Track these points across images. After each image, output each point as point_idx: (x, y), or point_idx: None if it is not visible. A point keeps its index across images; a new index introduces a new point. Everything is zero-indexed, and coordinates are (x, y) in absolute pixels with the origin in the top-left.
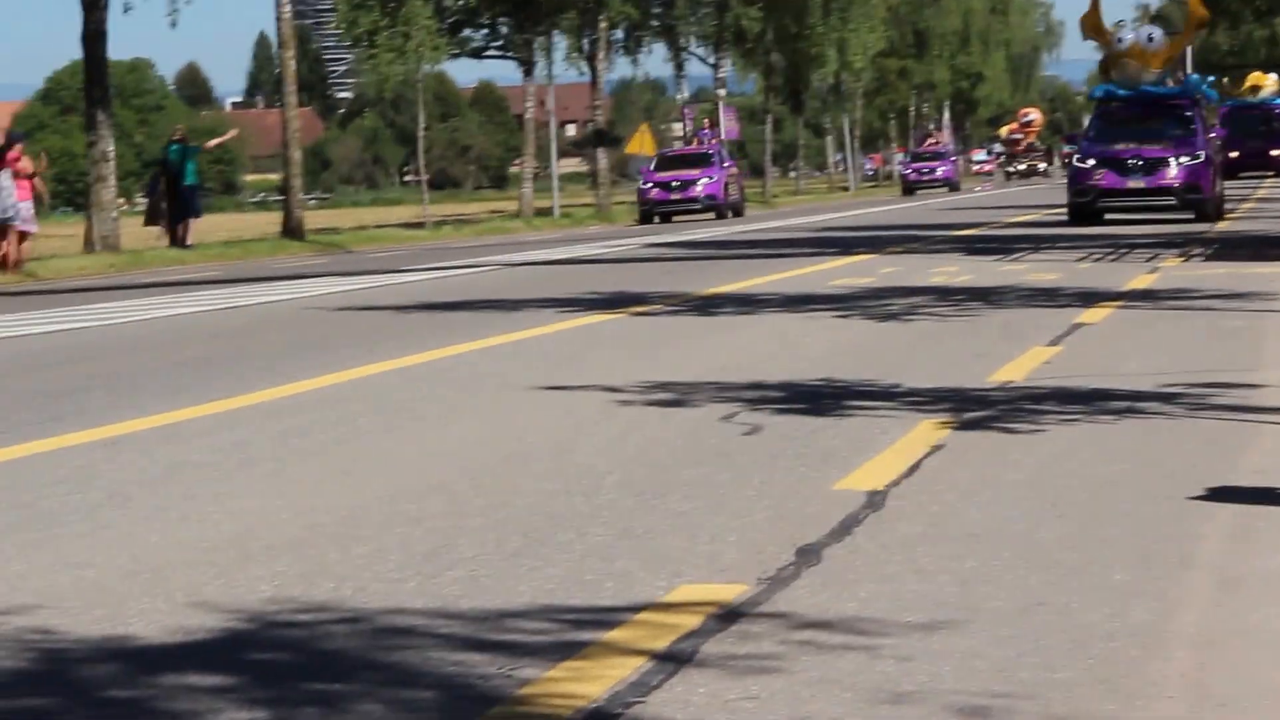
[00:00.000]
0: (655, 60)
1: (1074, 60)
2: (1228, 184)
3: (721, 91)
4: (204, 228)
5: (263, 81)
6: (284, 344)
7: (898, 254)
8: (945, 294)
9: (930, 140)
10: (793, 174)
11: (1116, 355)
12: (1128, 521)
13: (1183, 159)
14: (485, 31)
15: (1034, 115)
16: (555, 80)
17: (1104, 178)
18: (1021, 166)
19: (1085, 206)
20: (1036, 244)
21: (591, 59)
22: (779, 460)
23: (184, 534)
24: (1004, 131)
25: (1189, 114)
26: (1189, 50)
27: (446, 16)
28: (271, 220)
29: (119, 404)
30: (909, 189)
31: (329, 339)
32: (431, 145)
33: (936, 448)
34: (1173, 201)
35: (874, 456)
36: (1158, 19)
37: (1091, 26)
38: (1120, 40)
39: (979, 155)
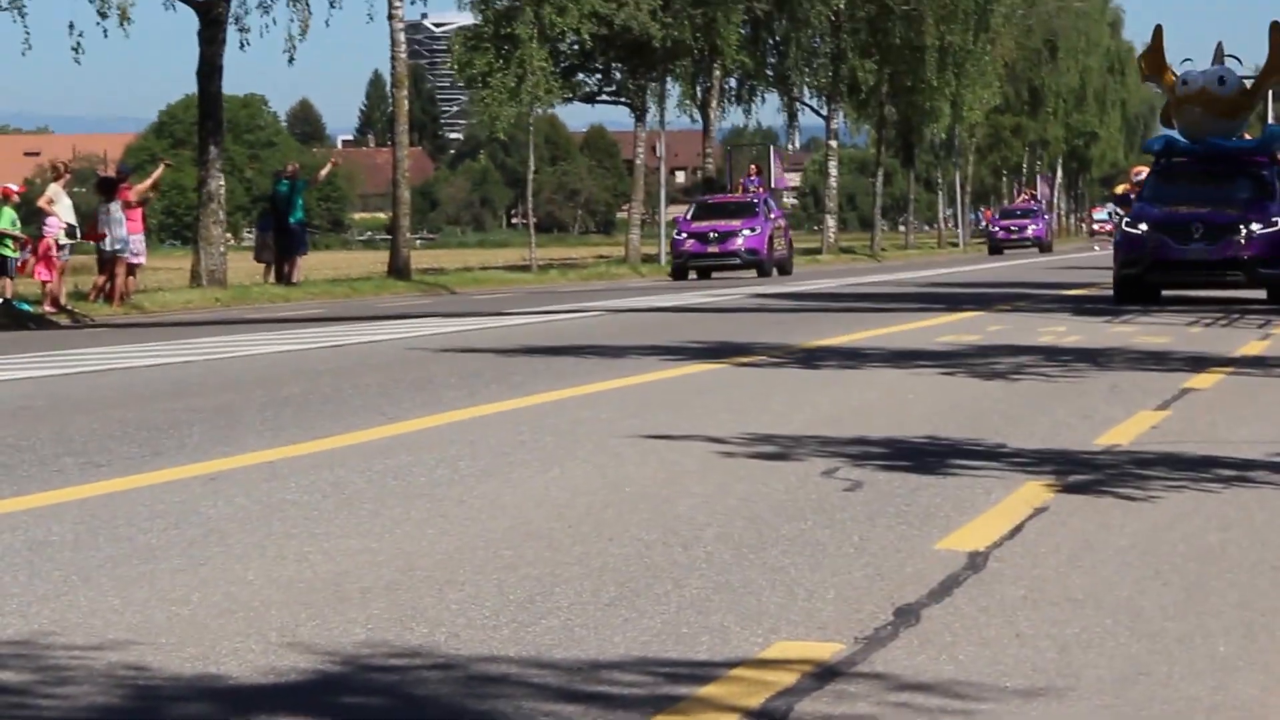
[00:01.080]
0: (768, 109)
1: None
2: None
3: (833, 143)
4: (310, 265)
5: (374, 120)
6: (386, 384)
7: (1005, 312)
8: (1052, 354)
9: (1022, 196)
10: (902, 228)
11: (1226, 422)
12: (1234, 592)
13: (1255, 226)
14: (598, 76)
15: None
16: (667, 127)
17: (1159, 246)
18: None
19: (1135, 280)
20: (1146, 306)
21: (704, 106)
22: (879, 518)
23: (280, 573)
24: (1120, 189)
25: (1266, 173)
26: (1271, 97)
27: (561, 60)
28: (378, 259)
29: (220, 440)
30: (996, 248)
31: (431, 380)
32: (540, 188)
33: (1040, 510)
34: (1241, 277)
35: (976, 517)
36: (1232, 58)
37: (1152, 65)
38: (1185, 83)
39: (1100, 214)
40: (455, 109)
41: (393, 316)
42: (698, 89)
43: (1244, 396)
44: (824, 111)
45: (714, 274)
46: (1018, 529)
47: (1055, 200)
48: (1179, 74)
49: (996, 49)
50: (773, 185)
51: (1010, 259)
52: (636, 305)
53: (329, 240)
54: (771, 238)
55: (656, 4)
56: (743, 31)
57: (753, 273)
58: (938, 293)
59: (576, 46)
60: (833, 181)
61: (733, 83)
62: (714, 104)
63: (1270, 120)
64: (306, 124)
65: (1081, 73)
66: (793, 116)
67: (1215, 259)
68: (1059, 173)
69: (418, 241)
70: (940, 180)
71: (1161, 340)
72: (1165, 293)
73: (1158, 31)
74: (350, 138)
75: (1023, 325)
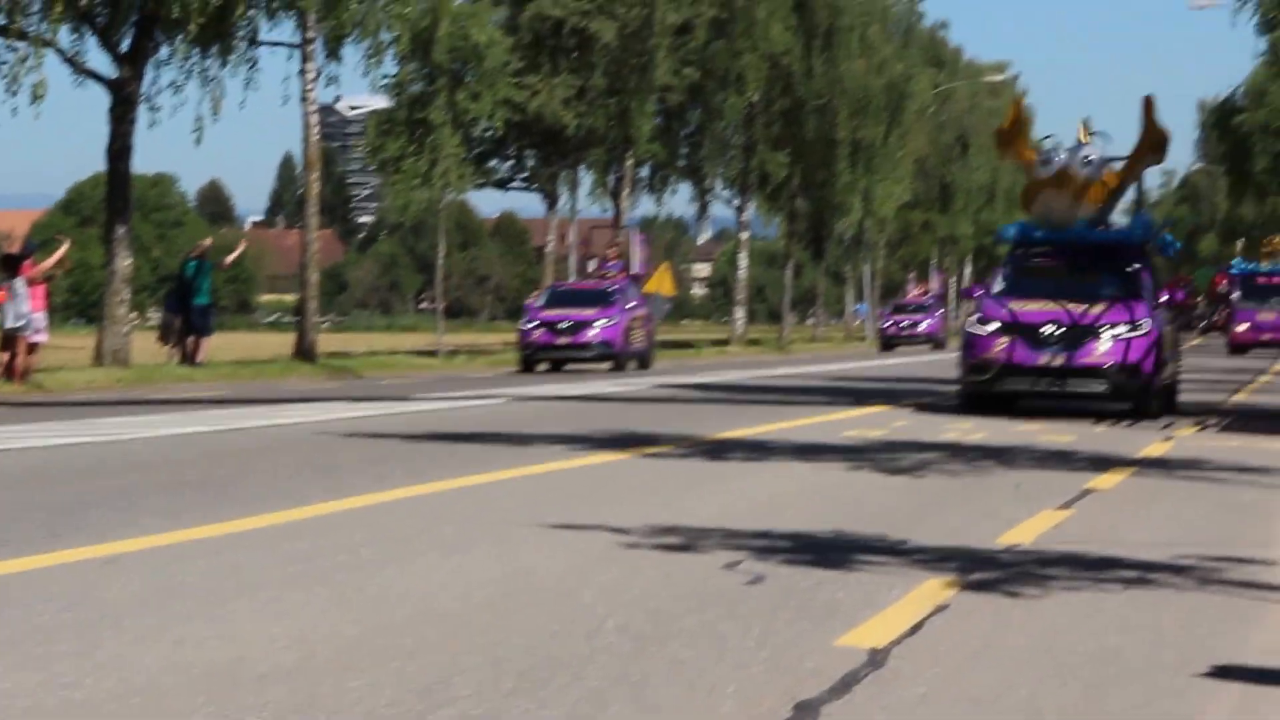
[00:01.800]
0: (680, 199)
1: None
2: (1235, 361)
3: (744, 234)
4: (216, 346)
5: (285, 202)
6: (290, 468)
7: (911, 408)
8: (957, 451)
9: (915, 291)
10: (810, 321)
11: (1128, 523)
12: (1132, 694)
13: (1120, 330)
14: (511, 163)
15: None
16: (578, 215)
17: (1010, 349)
18: None
19: (983, 387)
20: (1053, 405)
21: (616, 195)
22: (782, 612)
23: (177, 657)
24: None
25: (1136, 267)
26: (1142, 182)
27: (473, 146)
28: (284, 341)
29: (119, 521)
30: (887, 344)
31: (336, 465)
32: (450, 273)
33: (941, 608)
34: (1104, 387)
35: (878, 613)
36: (1100, 135)
37: (1008, 140)
38: (1046, 162)
39: None
40: (366, 192)
41: (298, 400)
42: (610, 177)
43: (1146, 498)
44: (735, 202)
45: (565, 367)
46: (919, 626)
47: (948, 295)
48: (1041, 152)
49: (908, 145)
50: (634, 271)
51: (907, 355)
52: (543, 393)
53: (235, 321)
54: (629, 328)
55: (570, 93)
56: (656, 121)
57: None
58: (844, 387)
59: (490, 133)
60: (742, 273)
61: (645, 172)
62: (626, 193)
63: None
64: (216, 204)
65: (992, 170)
66: (704, 207)
67: (1073, 366)
68: (969, 269)
69: (325, 324)
70: (849, 274)
71: (1066, 439)
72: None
73: (1017, 103)
74: (260, 219)
75: (928, 421)
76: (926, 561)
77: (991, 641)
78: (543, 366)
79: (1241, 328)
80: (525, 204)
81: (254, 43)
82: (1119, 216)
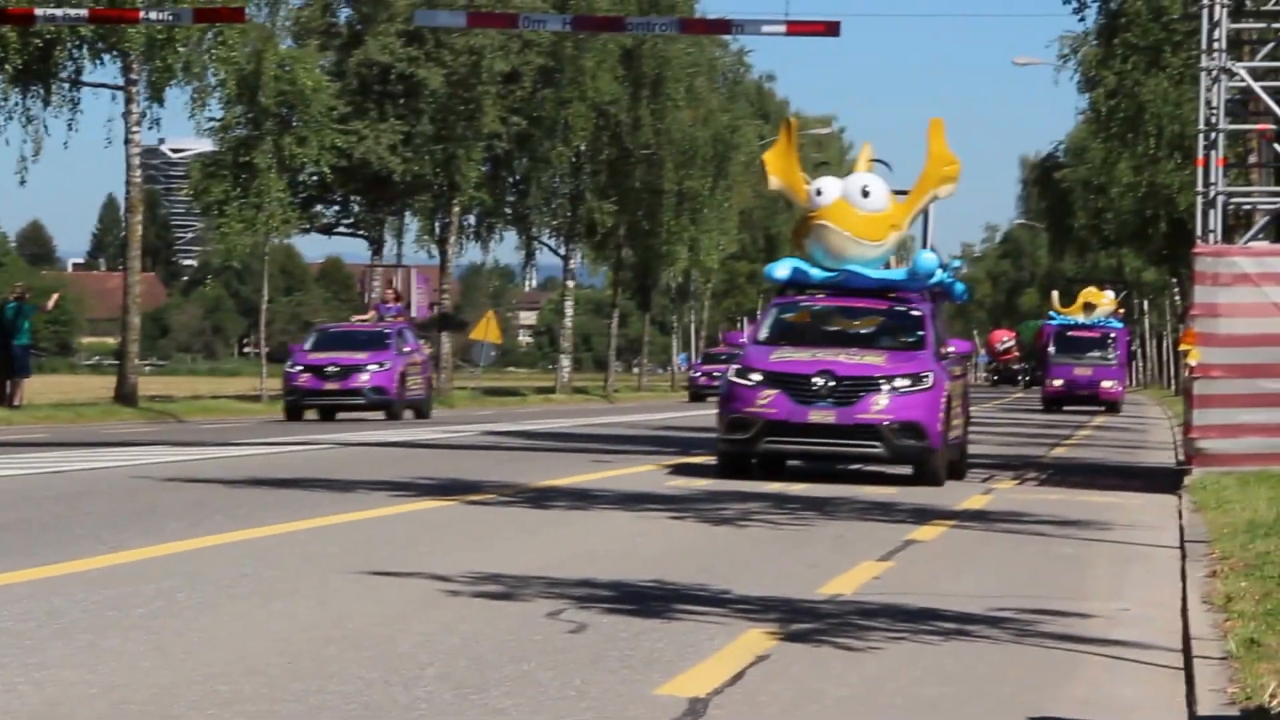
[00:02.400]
0: (506, 247)
1: None
2: (1050, 417)
3: (570, 283)
4: (35, 388)
5: (107, 244)
6: (108, 512)
7: None
8: (780, 501)
9: (732, 336)
10: (636, 370)
11: (947, 575)
12: None
13: (901, 383)
14: (336, 208)
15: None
16: (403, 261)
17: (774, 404)
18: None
19: (743, 447)
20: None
21: (442, 242)
22: (603, 661)
23: None
24: None
25: (917, 313)
26: (929, 216)
27: (299, 191)
28: (105, 384)
29: None
30: (697, 395)
31: (154, 509)
32: (274, 318)
33: (762, 657)
34: (880, 449)
35: (699, 663)
36: (881, 164)
37: (780, 168)
38: (820, 192)
39: None
40: (190, 235)
41: (118, 443)
42: (436, 224)
43: (966, 550)
44: (562, 251)
45: (338, 415)
46: (739, 676)
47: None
48: (813, 182)
49: (734, 196)
50: (414, 313)
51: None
52: (367, 439)
53: (55, 364)
54: (404, 374)
55: (397, 139)
56: (483, 169)
57: (383, 414)
58: (669, 436)
59: (316, 178)
60: (568, 321)
61: (471, 219)
62: (452, 240)
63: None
64: (37, 245)
65: None
66: (530, 255)
67: (847, 424)
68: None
69: (147, 368)
70: (675, 324)
71: (888, 491)
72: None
73: (788, 125)
74: (81, 260)
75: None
76: (748, 611)
77: (811, 691)
78: (311, 414)
79: (1055, 383)
80: (351, 249)
81: (77, 84)
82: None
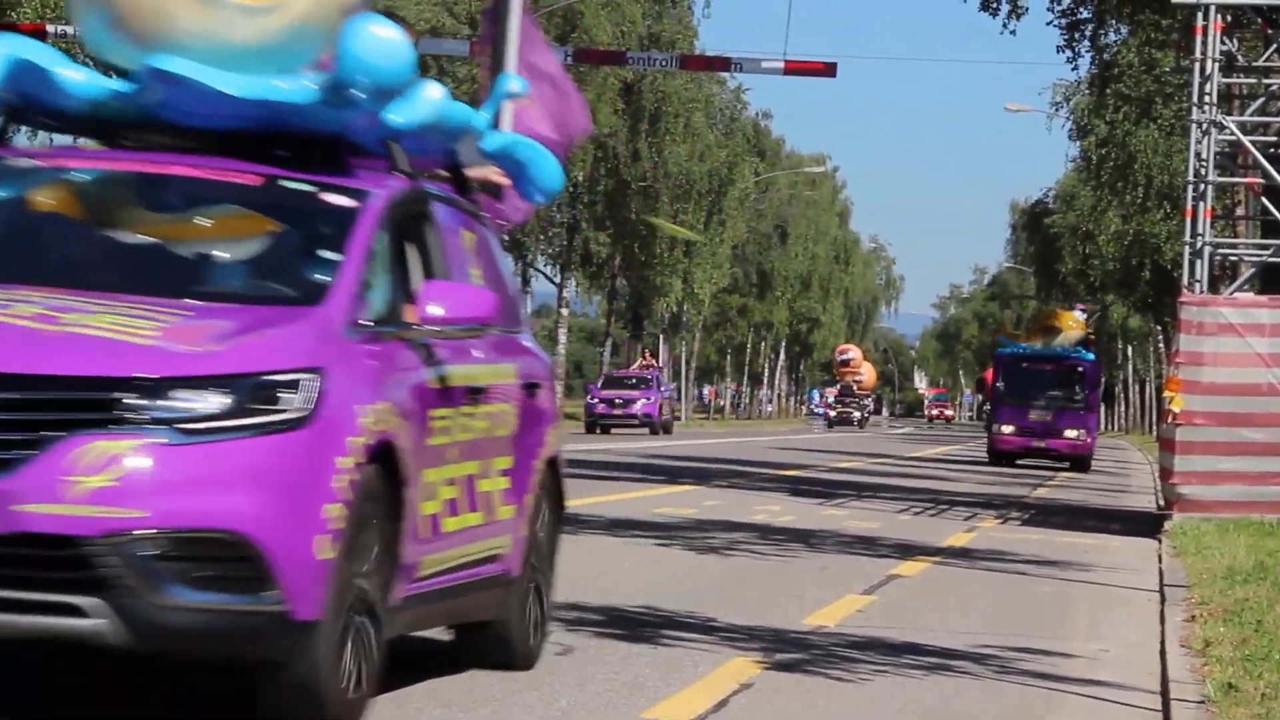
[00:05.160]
0: None
1: (910, 315)
2: (1003, 470)
3: (564, 310)
4: None
5: None
6: None
7: (723, 487)
8: (766, 532)
9: (638, 362)
10: None
11: (929, 610)
12: None
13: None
14: None
15: (853, 354)
16: None
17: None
18: (831, 413)
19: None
20: (859, 491)
21: None
22: (588, 684)
23: None
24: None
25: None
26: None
27: None
28: None
29: None
30: (594, 425)
31: None
32: None
33: (746, 686)
34: None
35: (683, 689)
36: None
37: None
38: None
39: (815, 397)
40: None
41: None
42: None
43: (949, 586)
44: (556, 279)
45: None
46: (723, 703)
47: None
48: None
49: (728, 231)
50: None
51: (740, 435)
52: None
53: None
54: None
55: None
56: None
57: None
58: (657, 464)
59: None
60: (561, 349)
61: None
62: None
63: None
64: None
65: (810, 259)
66: (525, 282)
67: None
68: (781, 355)
69: None
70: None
71: (872, 525)
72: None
73: None
74: None
75: (738, 502)
76: (733, 639)
77: None
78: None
79: (1004, 430)
80: None
81: None
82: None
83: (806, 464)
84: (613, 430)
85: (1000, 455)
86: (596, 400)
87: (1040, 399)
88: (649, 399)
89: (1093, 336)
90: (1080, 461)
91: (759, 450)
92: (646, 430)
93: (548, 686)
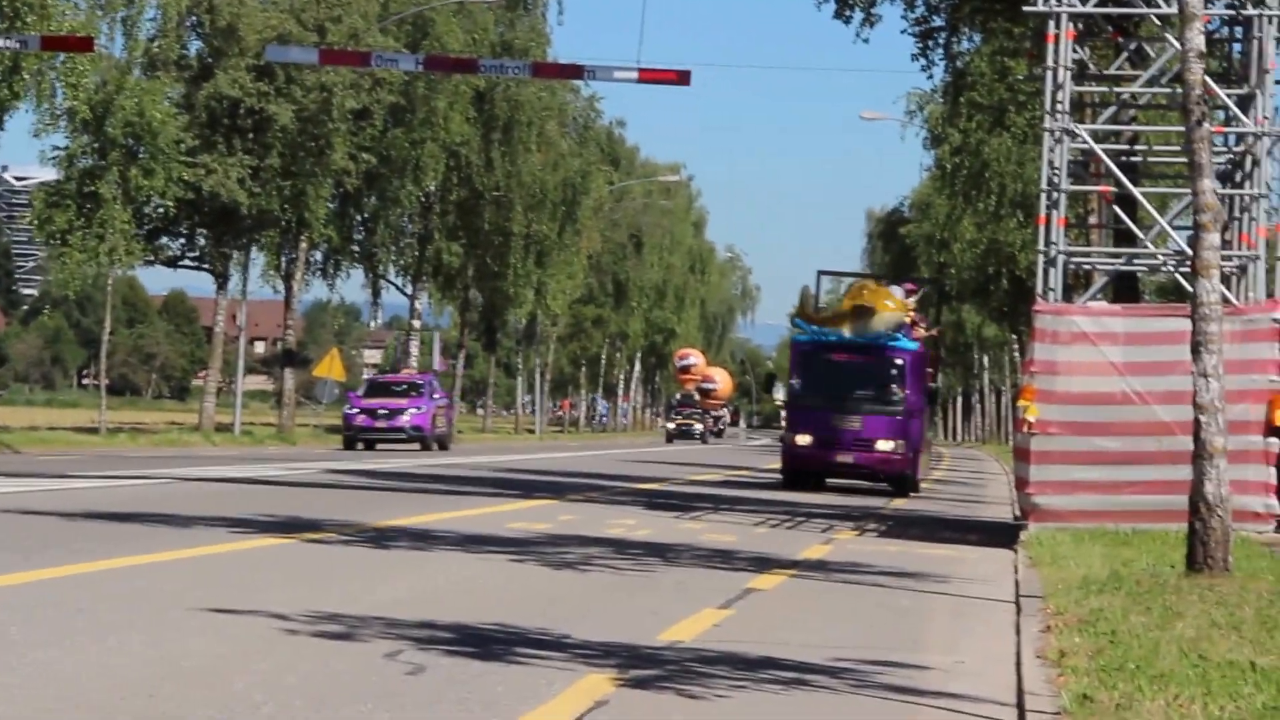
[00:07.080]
0: (353, 285)
1: (767, 325)
2: (858, 484)
3: (416, 322)
4: None
5: None
6: None
7: (578, 502)
8: (622, 547)
9: (406, 369)
10: (480, 411)
11: (786, 624)
12: None
13: None
14: (182, 240)
15: (694, 359)
16: (249, 296)
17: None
18: (670, 425)
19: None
20: (716, 504)
21: (288, 278)
22: (440, 704)
23: None
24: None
25: None
26: None
27: (144, 222)
28: None
29: None
30: (354, 441)
31: None
32: (115, 350)
33: (601, 703)
34: None
35: (537, 707)
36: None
37: None
38: None
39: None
40: (32, 264)
41: None
42: (282, 259)
43: (805, 599)
44: (408, 290)
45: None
46: None
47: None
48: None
49: (582, 240)
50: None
51: (596, 449)
52: (207, 474)
53: None
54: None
55: (245, 172)
56: (331, 206)
57: None
58: (512, 478)
59: (161, 210)
60: (413, 361)
61: (318, 255)
62: (298, 276)
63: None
64: None
65: (665, 269)
66: (376, 293)
67: None
68: (637, 366)
69: None
70: (521, 366)
71: (728, 539)
72: None
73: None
74: None
75: (594, 516)
76: (588, 656)
77: None
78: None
79: (800, 441)
80: (195, 282)
81: None
82: None
83: (664, 476)
84: (377, 446)
85: (797, 475)
86: (356, 410)
87: (846, 401)
88: (419, 409)
89: (920, 327)
90: (899, 480)
91: (614, 464)
92: (417, 446)
93: (399, 708)
